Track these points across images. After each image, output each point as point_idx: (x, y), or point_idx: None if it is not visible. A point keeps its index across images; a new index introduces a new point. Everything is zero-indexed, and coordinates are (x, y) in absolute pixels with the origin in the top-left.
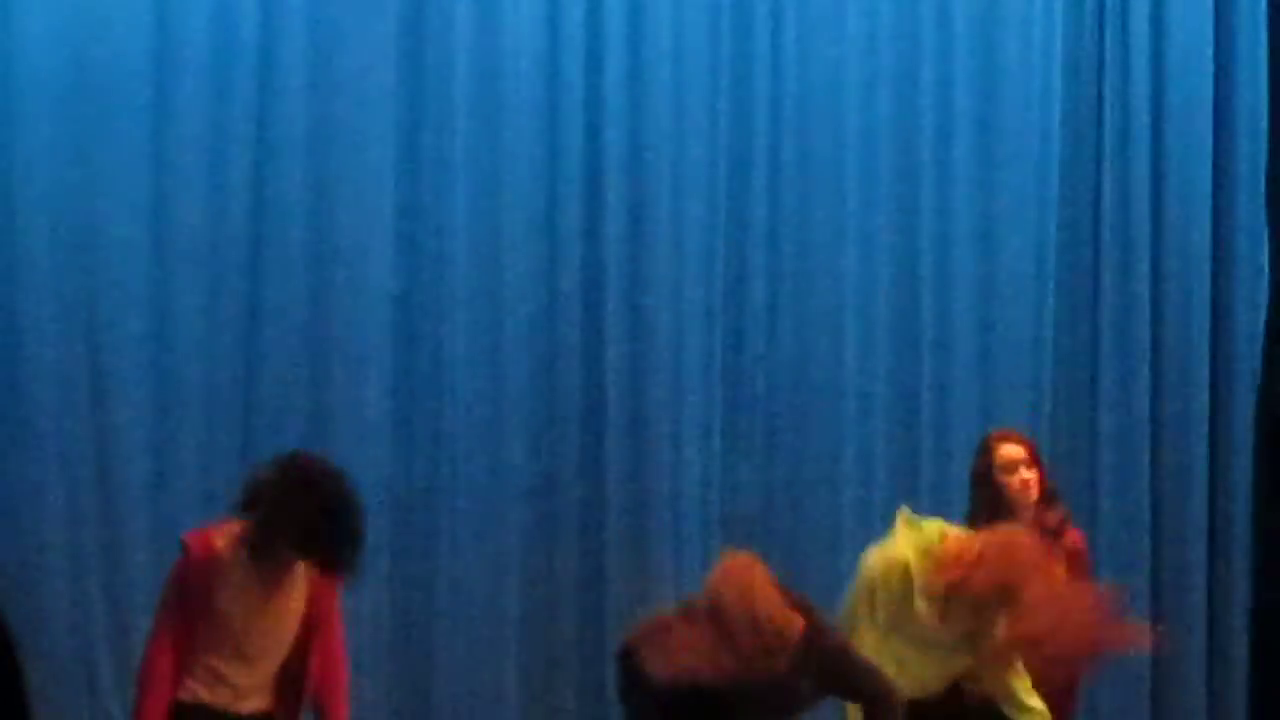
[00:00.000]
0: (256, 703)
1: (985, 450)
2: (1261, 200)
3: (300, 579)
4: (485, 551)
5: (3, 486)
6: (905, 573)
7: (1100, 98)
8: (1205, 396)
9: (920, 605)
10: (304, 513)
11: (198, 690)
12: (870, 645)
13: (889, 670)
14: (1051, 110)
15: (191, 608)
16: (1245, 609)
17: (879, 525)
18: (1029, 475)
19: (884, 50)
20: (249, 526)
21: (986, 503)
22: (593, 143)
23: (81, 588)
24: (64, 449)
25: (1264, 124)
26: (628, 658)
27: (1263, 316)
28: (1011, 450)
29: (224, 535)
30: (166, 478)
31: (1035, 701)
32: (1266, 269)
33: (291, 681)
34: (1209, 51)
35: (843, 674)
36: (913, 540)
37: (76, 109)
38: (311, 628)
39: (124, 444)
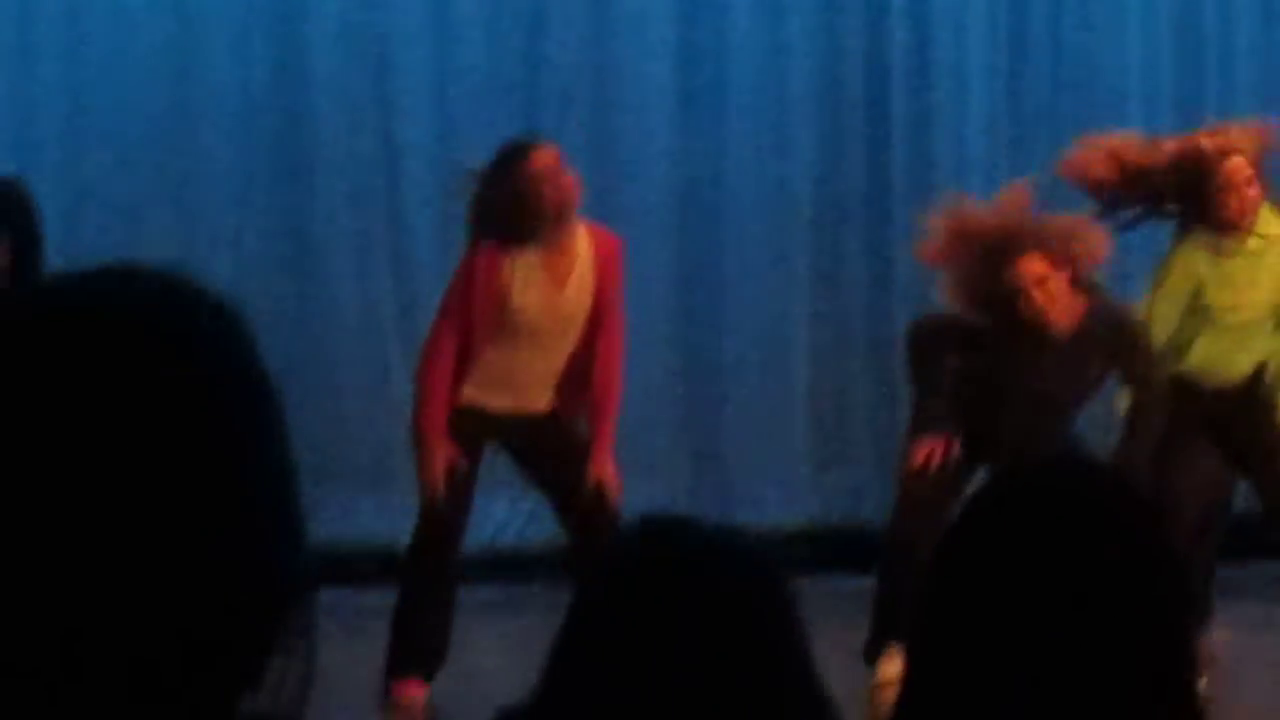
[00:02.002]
0: (539, 402)
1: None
2: None
3: (586, 270)
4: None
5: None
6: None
7: None
8: None
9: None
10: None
11: (477, 395)
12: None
13: None
14: None
15: (477, 304)
16: None
17: None
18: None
19: None
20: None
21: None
22: None
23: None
24: None
25: None
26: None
27: None
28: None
29: None
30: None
31: None
32: None
33: (578, 377)
34: None
35: (1136, 354)
36: None
37: None
38: (596, 321)
39: None
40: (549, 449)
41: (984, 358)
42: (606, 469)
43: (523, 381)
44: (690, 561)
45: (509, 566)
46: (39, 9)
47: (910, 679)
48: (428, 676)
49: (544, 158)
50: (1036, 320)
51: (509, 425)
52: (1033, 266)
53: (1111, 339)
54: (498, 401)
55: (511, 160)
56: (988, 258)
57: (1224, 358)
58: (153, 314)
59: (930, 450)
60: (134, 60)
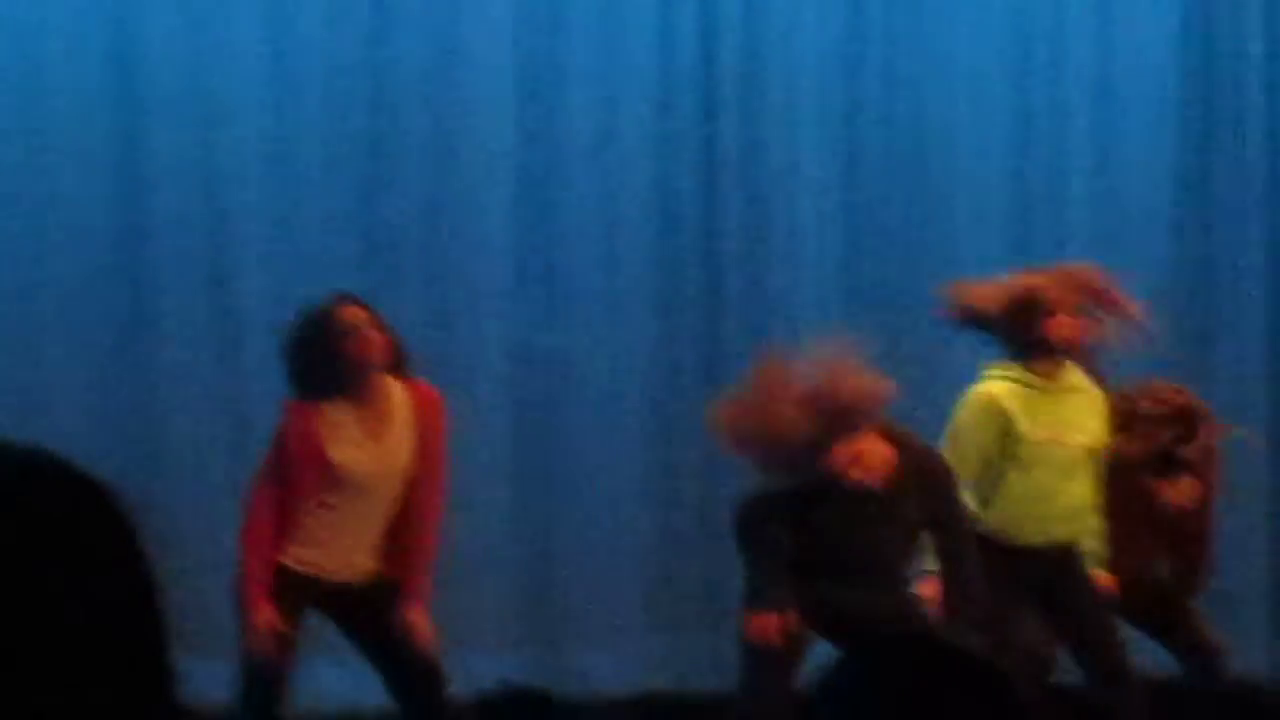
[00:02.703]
0: (363, 569)
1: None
2: None
3: (405, 424)
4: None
5: None
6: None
7: None
8: None
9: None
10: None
11: (302, 556)
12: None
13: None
14: None
15: (294, 460)
16: None
17: None
18: None
19: None
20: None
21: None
22: None
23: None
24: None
25: None
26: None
27: None
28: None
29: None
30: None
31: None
32: None
33: (403, 532)
34: None
35: (945, 500)
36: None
37: None
38: (420, 477)
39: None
40: (372, 619)
41: (811, 520)
42: (416, 616)
43: (346, 544)
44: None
45: None
46: None
47: None
48: None
49: (350, 314)
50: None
51: (332, 592)
52: (845, 451)
53: (922, 482)
54: (322, 566)
55: (317, 315)
56: (801, 452)
57: (1040, 500)
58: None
59: (768, 625)
60: None
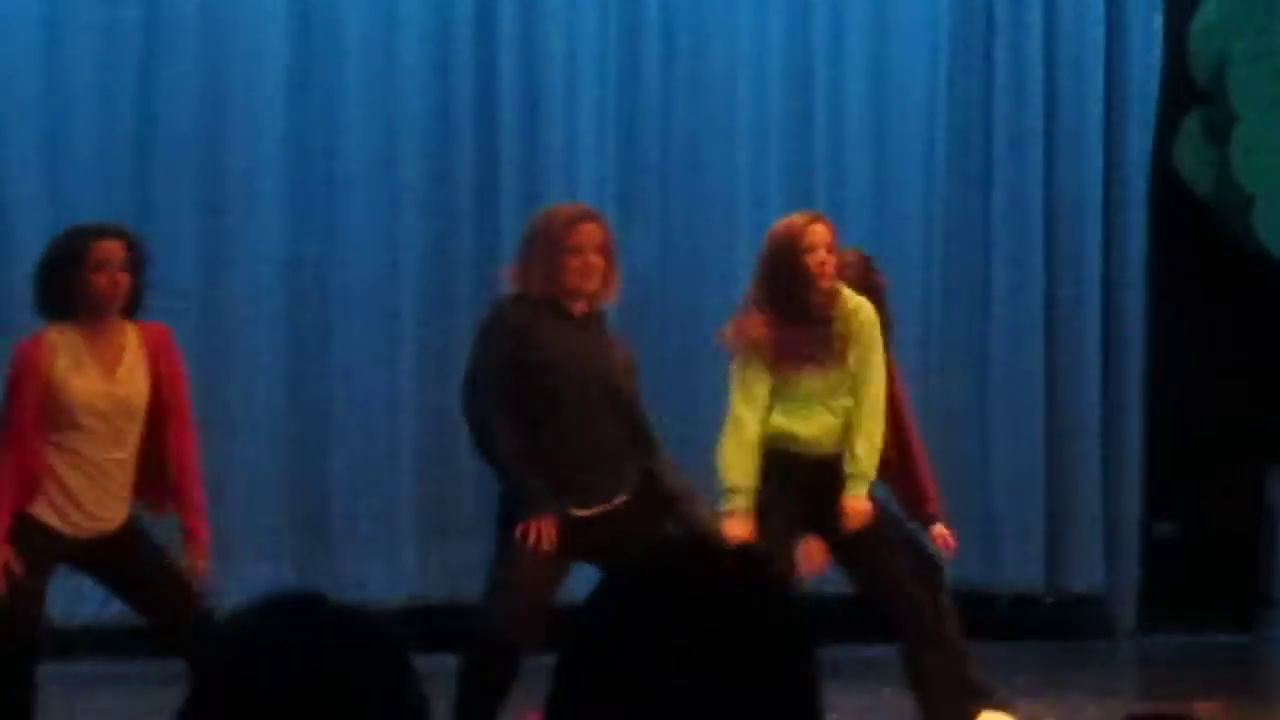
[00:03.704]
0: (112, 519)
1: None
2: None
3: (136, 360)
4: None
5: None
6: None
7: None
8: None
9: None
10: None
11: (44, 511)
12: None
13: None
14: None
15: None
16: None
17: None
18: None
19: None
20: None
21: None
22: None
23: None
24: None
25: None
26: None
27: None
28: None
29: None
30: None
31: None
32: None
33: (153, 474)
34: None
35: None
36: None
37: None
38: (160, 414)
39: None
40: (124, 567)
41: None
42: (200, 561)
43: (94, 495)
44: (316, 636)
45: (107, 644)
46: None
47: None
48: None
49: (107, 249)
50: None
51: (81, 546)
52: None
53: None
54: (70, 520)
55: (72, 242)
56: None
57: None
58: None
59: (537, 532)
60: None
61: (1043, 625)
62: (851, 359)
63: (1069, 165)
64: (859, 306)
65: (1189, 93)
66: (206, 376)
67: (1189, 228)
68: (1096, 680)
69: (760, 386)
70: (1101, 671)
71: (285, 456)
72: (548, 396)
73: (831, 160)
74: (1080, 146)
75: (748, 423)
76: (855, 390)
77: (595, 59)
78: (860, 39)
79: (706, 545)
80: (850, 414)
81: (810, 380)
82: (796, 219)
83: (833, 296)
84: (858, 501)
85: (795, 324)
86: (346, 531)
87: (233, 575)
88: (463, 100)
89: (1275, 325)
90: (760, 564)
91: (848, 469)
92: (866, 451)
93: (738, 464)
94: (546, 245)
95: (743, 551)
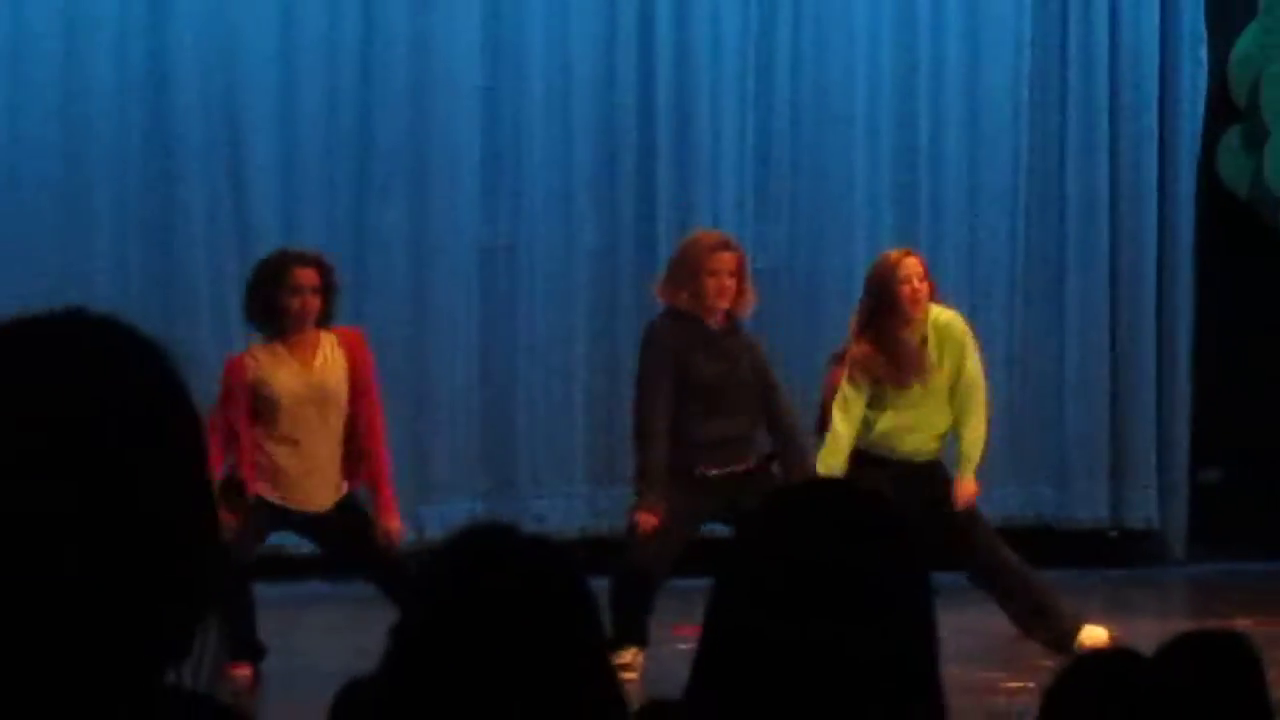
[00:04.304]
0: (322, 500)
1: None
2: None
3: (331, 353)
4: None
5: None
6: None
7: None
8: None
9: None
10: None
11: (265, 490)
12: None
13: None
14: None
15: (241, 399)
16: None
17: None
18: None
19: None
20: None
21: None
22: None
23: None
24: None
25: None
26: None
27: None
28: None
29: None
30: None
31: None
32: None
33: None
34: None
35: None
36: None
37: None
38: (356, 403)
39: None
40: (340, 539)
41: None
42: (393, 523)
43: (302, 474)
44: (513, 560)
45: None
46: None
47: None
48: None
49: (301, 276)
50: None
51: (299, 521)
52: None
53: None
54: (287, 499)
55: (274, 266)
56: None
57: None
58: (95, 349)
59: (653, 521)
60: None
61: (1107, 556)
62: (949, 366)
63: (1130, 168)
64: (950, 320)
65: (1229, 111)
66: (411, 352)
67: (1230, 219)
68: (1153, 603)
69: (857, 406)
70: (1157, 595)
71: (480, 416)
72: (692, 393)
73: (931, 164)
74: (1140, 154)
75: (843, 435)
76: (956, 390)
77: (735, 79)
78: (956, 65)
79: (833, 483)
80: (954, 414)
81: (910, 393)
82: (892, 254)
83: (924, 318)
84: (969, 484)
85: (894, 344)
86: (529, 477)
87: (436, 513)
88: (626, 110)
89: None
90: (877, 498)
91: (960, 451)
92: (971, 440)
93: (832, 471)
94: (692, 268)
95: (864, 489)
